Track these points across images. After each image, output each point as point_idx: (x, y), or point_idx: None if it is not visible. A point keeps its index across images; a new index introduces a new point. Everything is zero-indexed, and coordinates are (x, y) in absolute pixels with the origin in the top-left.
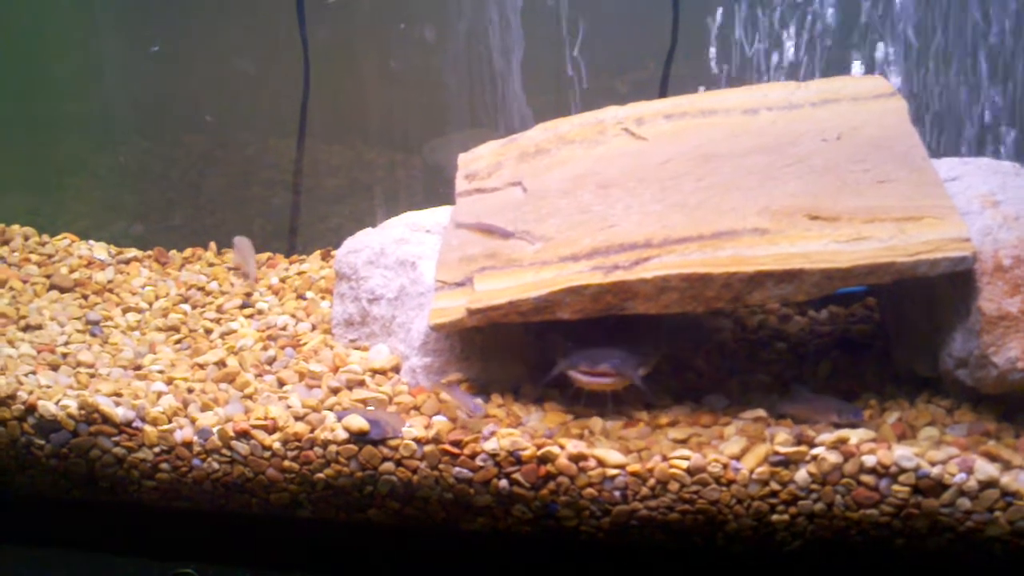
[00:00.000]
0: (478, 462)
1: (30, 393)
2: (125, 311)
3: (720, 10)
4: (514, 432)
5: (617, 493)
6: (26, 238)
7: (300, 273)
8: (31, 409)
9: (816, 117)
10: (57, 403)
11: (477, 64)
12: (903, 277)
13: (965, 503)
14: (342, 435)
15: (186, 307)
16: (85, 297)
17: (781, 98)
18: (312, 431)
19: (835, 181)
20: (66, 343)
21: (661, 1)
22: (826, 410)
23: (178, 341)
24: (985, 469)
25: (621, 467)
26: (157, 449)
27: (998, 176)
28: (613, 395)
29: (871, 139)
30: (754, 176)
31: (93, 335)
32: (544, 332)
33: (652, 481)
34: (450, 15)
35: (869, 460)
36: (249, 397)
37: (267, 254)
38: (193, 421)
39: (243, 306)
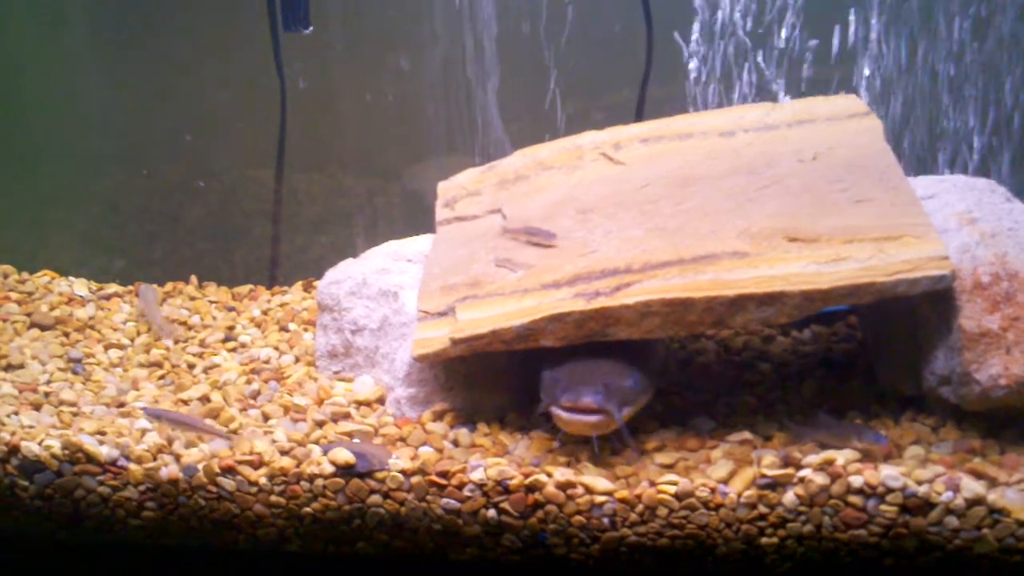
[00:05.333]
0: (466, 492)
1: (12, 434)
2: (107, 348)
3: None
4: (501, 461)
5: (606, 520)
6: (5, 276)
7: (282, 305)
8: (14, 450)
9: (792, 138)
10: (40, 443)
11: (454, 91)
12: (883, 297)
13: (953, 521)
14: (328, 469)
15: (168, 342)
16: (66, 335)
17: (757, 119)
18: (298, 465)
19: (813, 202)
20: (48, 382)
21: (636, 25)
22: (847, 435)
23: (161, 377)
24: (971, 487)
25: (609, 494)
26: (142, 487)
27: (974, 193)
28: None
29: (847, 159)
30: (732, 198)
31: (75, 373)
32: (529, 358)
33: (640, 507)
34: (426, 42)
35: (856, 481)
36: (234, 432)
37: (248, 286)
38: (178, 458)
39: (226, 340)
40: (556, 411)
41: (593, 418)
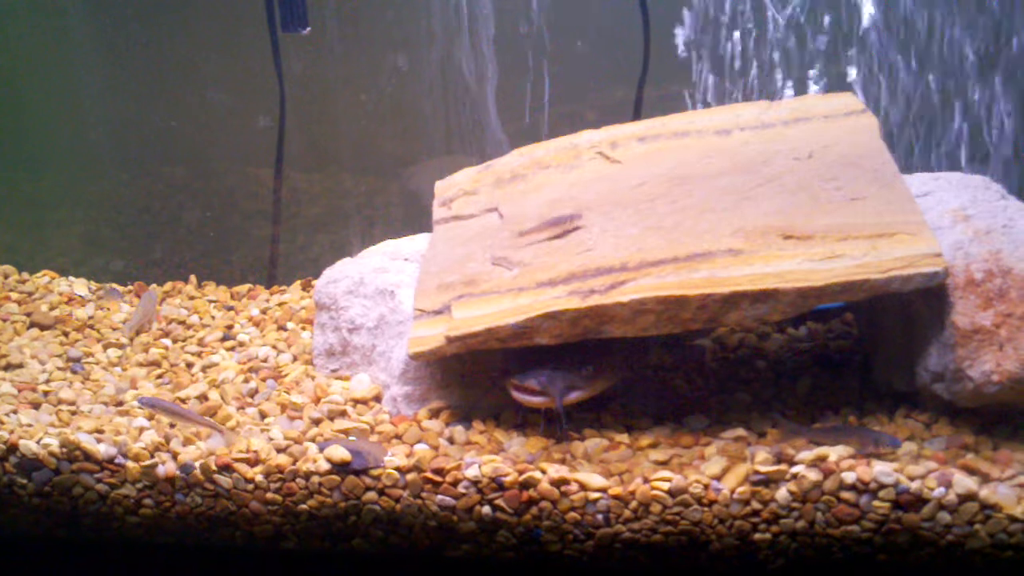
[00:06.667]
0: (460, 489)
1: (11, 432)
2: (106, 347)
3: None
4: (495, 458)
5: (600, 516)
6: (5, 276)
7: (281, 304)
8: (13, 448)
9: (788, 136)
10: (39, 442)
11: (452, 91)
12: (877, 294)
13: (945, 517)
14: (324, 466)
15: (167, 341)
16: (66, 334)
17: (753, 118)
18: (294, 463)
19: (808, 200)
20: (47, 381)
21: (633, 25)
22: (863, 441)
23: (160, 376)
24: (964, 483)
25: (603, 490)
26: (140, 485)
27: (968, 190)
28: (546, 413)
29: (842, 157)
30: (728, 197)
31: (74, 372)
32: (525, 356)
33: (634, 503)
34: (423, 43)
35: (849, 477)
36: (231, 430)
37: (247, 285)
38: (175, 456)
39: (224, 339)
40: (509, 388)
41: (535, 398)
